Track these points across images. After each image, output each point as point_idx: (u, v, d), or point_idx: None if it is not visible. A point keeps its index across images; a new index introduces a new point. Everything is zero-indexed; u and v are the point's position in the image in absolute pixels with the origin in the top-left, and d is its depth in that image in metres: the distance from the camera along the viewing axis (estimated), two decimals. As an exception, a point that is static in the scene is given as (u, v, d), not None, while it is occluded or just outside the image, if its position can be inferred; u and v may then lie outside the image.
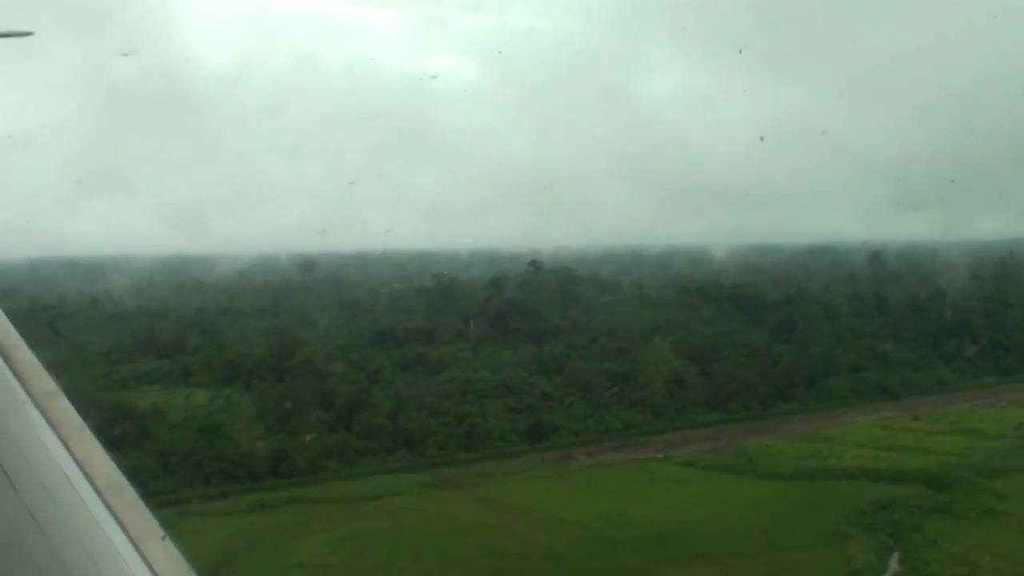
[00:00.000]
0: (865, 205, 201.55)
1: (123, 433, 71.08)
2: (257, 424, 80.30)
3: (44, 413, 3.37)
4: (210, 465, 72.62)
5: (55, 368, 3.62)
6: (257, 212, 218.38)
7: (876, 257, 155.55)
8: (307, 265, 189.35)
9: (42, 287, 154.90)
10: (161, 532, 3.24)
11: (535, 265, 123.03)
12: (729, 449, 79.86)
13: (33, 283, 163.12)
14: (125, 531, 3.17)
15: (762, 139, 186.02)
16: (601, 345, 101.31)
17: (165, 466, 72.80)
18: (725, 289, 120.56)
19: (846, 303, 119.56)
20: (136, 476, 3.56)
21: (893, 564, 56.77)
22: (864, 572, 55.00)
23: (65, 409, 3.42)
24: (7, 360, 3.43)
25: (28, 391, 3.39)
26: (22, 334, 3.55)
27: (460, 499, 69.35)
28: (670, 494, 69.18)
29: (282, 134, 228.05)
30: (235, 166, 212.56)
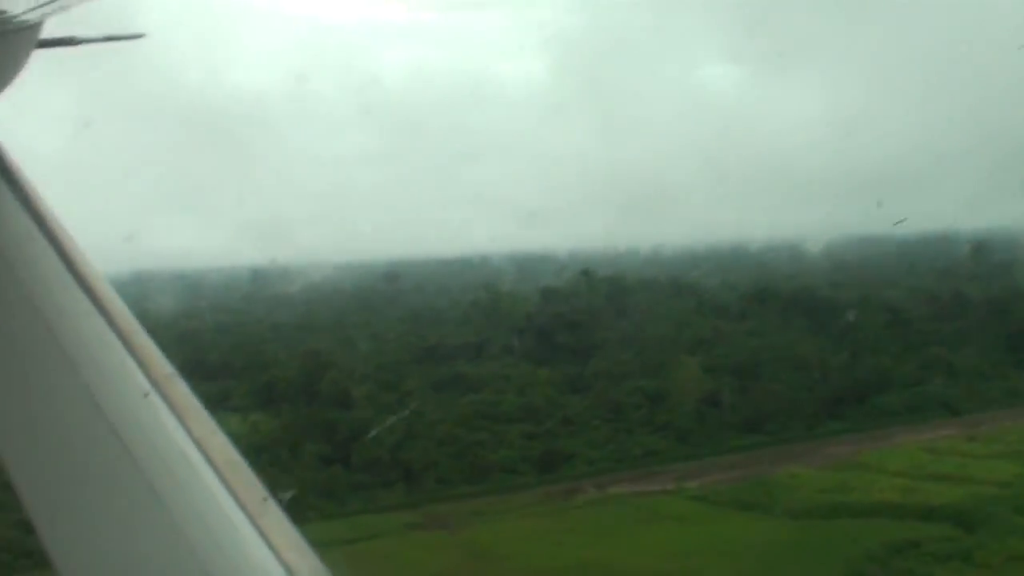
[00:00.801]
0: (979, 189, 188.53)
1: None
2: (256, 457, 77.66)
3: (163, 395, 3.61)
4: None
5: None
6: (347, 220, 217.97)
7: (979, 249, 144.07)
8: (393, 274, 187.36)
9: (133, 302, 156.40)
10: (276, 507, 3.50)
11: (587, 274, 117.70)
12: (752, 479, 73.46)
13: (127, 298, 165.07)
14: (241, 506, 3.43)
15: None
16: (642, 361, 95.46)
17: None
18: (791, 292, 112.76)
19: (922, 304, 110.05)
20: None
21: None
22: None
23: (183, 391, 3.70)
24: (128, 346, 3.68)
25: (148, 375, 3.65)
26: None
27: (441, 542, 65.25)
28: (666, 536, 63.62)
29: (359, 142, 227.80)
30: (318, 176, 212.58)
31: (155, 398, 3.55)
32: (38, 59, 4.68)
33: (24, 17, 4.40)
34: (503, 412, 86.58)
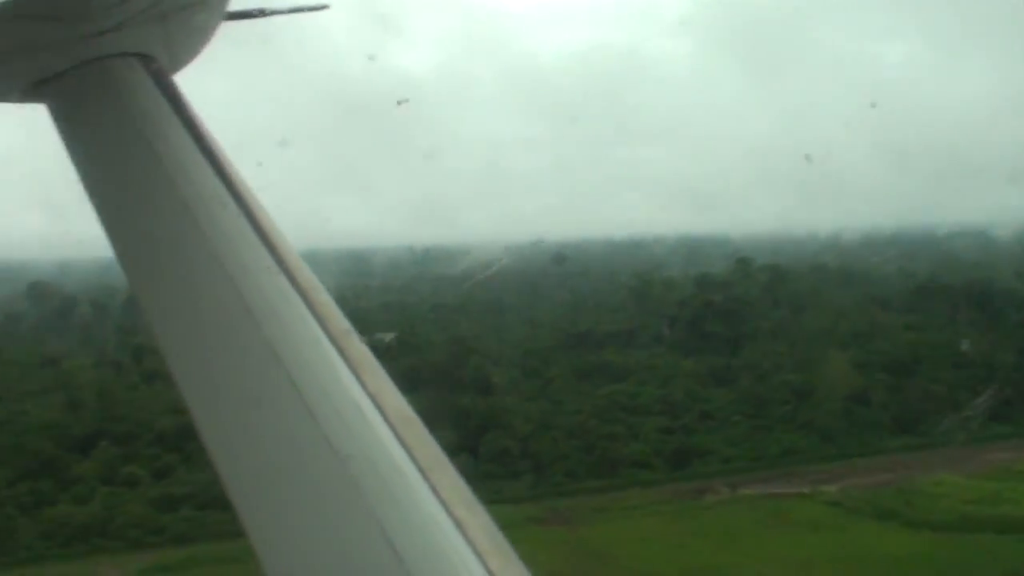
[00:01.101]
0: None
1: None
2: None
3: (340, 350, 3.68)
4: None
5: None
6: (517, 201, 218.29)
7: None
8: (561, 256, 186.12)
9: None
10: (447, 462, 3.50)
11: (744, 262, 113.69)
12: (895, 485, 69.15)
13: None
14: (413, 459, 3.43)
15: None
16: (792, 354, 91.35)
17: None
18: (965, 283, 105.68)
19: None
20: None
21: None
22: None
23: (358, 347, 3.74)
24: (308, 303, 3.77)
25: (326, 330, 3.72)
26: None
27: (557, 539, 63.98)
28: (792, 543, 60.68)
29: (530, 124, 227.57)
30: (488, 158, 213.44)
31: (333, 353, 3.67)
32: (226, 29, 4.85)
33: None
34: (641, 404, 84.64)
